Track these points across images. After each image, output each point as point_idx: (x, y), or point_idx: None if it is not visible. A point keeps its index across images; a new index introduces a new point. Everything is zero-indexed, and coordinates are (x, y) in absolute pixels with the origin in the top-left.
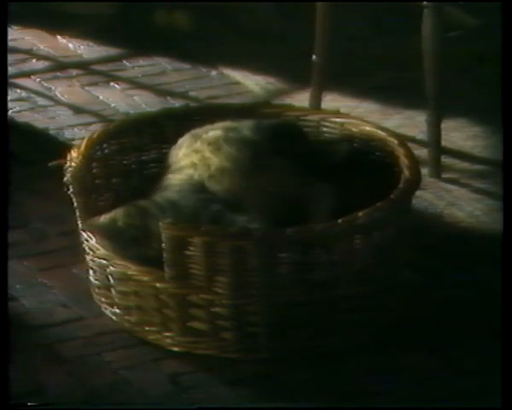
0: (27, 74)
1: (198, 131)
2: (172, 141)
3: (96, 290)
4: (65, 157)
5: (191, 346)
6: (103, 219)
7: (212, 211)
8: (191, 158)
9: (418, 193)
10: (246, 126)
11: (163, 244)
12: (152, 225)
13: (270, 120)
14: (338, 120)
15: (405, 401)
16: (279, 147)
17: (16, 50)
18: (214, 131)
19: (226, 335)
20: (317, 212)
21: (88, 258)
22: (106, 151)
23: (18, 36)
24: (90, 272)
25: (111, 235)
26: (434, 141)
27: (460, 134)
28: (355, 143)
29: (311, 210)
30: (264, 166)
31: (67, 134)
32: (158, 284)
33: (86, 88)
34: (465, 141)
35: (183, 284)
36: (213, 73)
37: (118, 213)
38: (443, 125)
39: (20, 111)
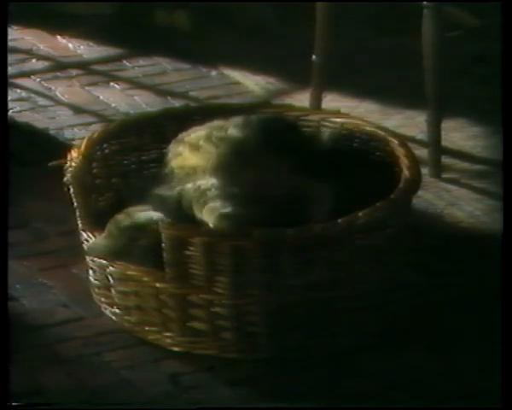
0: (27, 74)
1: (182, 135)
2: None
3: (96, 290)
4: (65, 157)
5: (191, 346)
6: (100, 240)
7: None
8: (171, 164)
9: (418, 193)
10: (233, 124)
11: (163, 244)
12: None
13: (260, 116)
14: (338, 120)
15: (405, 401)
16: (268, 143)
17: (16, 50)
18: (198, 132)
19: (226, 335)
20: (313, 211)
21: (88, 258)
22: (106, 151)
23: (18, 36)
24: (90, 272)
25: (117, 256)
26: (434, 141)
27: (460, 134)
28: (355, 142)
29: (307, 209)
30: (248, 163)
31: (67, 134)
32: (158, 284)
33: (86, 88)
34: (465, 141)
35: (183, 284)
36: (213, 73)
37: (113, 232)
38: (443, 125)
39: (20, 111)
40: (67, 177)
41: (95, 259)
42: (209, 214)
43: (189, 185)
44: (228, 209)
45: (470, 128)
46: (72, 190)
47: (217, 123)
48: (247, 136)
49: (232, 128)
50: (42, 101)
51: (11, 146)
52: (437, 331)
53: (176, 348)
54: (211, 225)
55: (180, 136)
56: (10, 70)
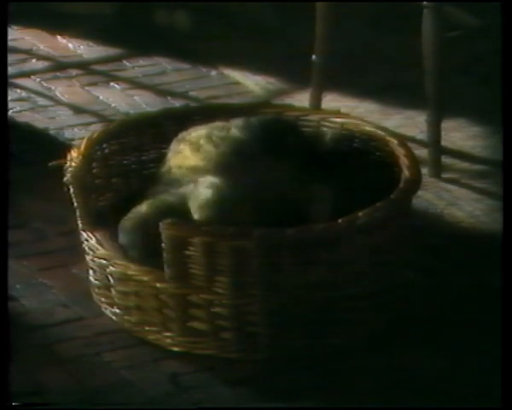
0: (27, 74)
1: (183, 134)
2: (172, 141)
3: (96, 290)
4: (65, 157)
5: (191, 346)
6: (134, 216)
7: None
8: (170, 162)
9: (418, 193)
10: (234, 125)
11: (163, 244)
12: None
13: (260, 117)
14: (338, 120)
15: (405, 400)
16: (268, 144)
17: (16, 50)
18: (198, 131)
19: (226, 335)
20: (313, 211)
21: (88, 258)
22: (106, 151)
23: (18, 36)
24: (90, 272)
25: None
26: (434, 141)
27: (460, 134)
28: (355, 142)
29: (307, 209)
30: (249, 164)
31: (67, 134)
32: (158, 284)
33: (86, 88)
34: (465, 141)
35: (183, 284)
36: (213, 73)
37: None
38: (443, 125)
39: (20, 111)
40: (67, 177)
41: (95, 259)
42: (194, 203)
43: (189, 190)
44: (211, 196)
45: (470, 128)
46: (72, 190)
47: (217, 124)
48: (247, 137)
49: (233, 129)
50: (42, 101)
51: (11, 146)
52: (437, 331)
53: (176, 348)
54: (196, 215)
55: (180, 135)
56: (10, 70)
